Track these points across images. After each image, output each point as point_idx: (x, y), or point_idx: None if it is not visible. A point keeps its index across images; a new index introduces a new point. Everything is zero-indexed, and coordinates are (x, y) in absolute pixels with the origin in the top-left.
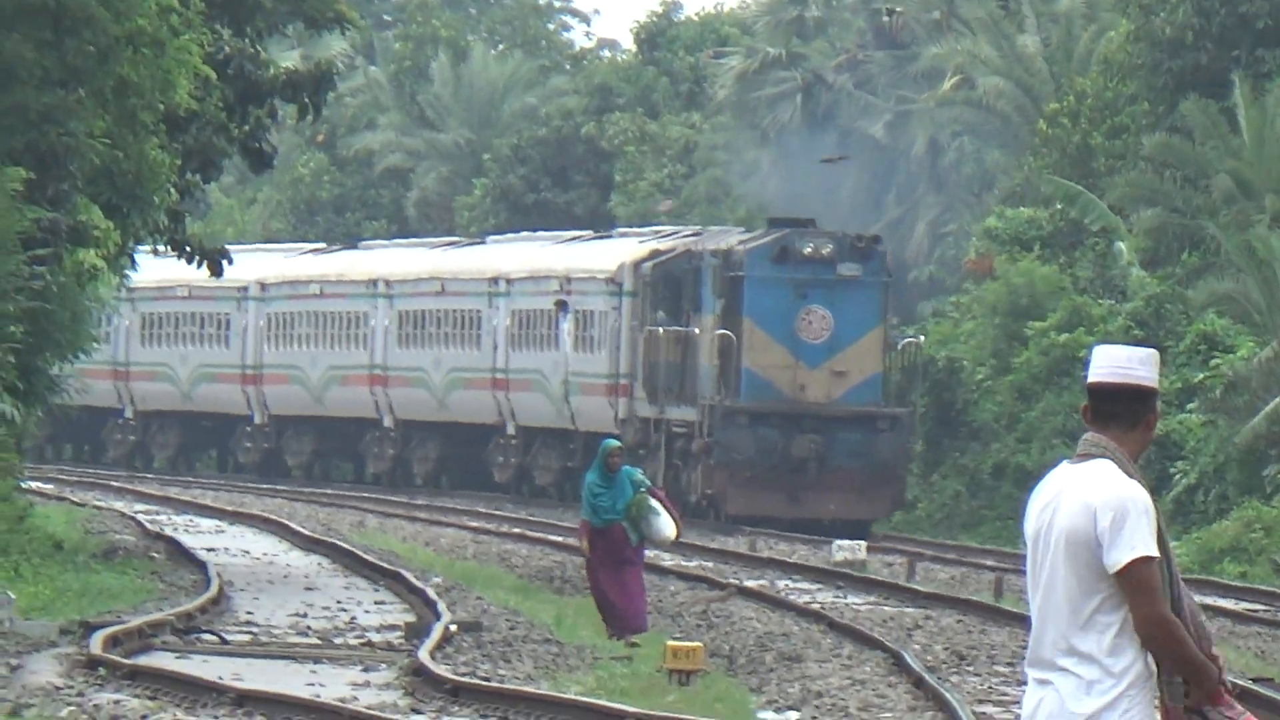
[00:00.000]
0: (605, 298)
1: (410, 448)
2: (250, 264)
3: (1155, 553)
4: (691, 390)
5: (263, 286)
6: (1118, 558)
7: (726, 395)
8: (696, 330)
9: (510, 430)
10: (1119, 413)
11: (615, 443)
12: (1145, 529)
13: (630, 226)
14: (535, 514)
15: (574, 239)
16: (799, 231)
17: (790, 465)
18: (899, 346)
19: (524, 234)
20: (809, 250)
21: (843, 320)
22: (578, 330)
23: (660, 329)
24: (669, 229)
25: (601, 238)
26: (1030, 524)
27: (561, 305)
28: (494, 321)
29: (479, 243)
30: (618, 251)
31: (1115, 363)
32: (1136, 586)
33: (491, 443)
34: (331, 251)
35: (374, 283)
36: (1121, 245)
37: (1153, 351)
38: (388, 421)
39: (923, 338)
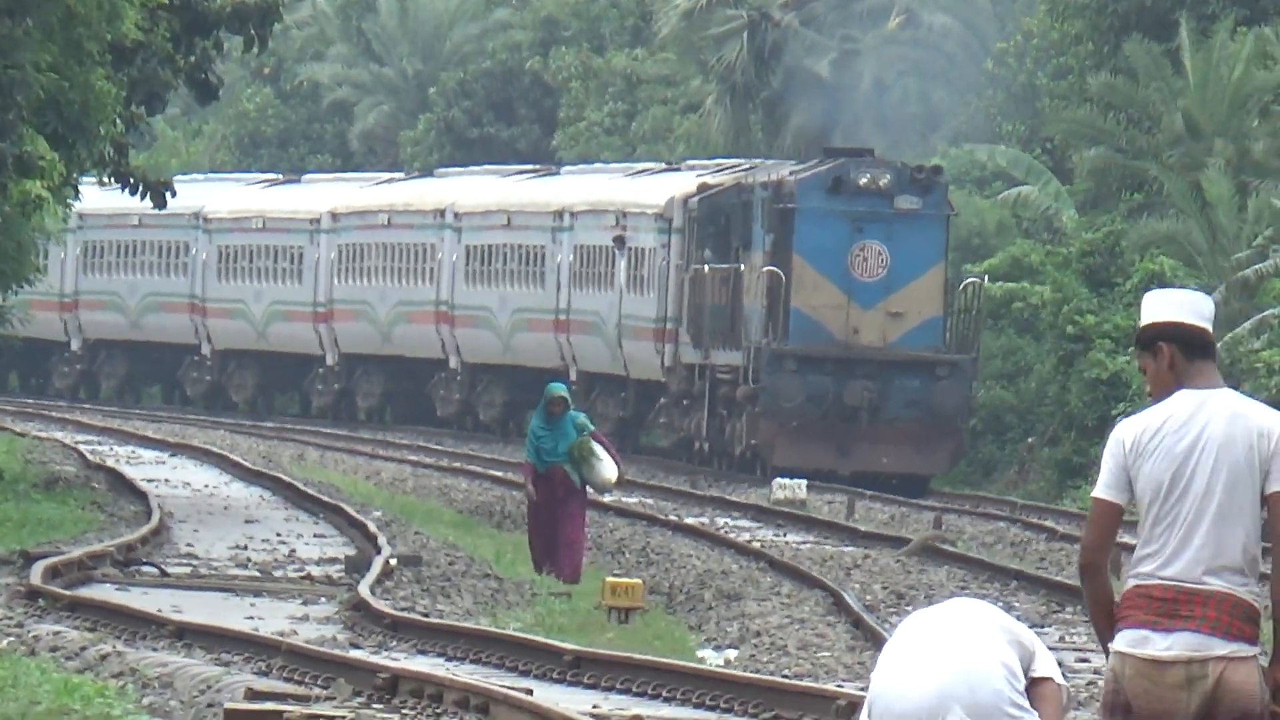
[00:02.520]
0: (655, 234)
1: (476, 393)
2: (323, 194)
3: None
4: (738, 333)
5: (334, 217)
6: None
7: (774, 338)
8: (744, 268)
9: (573, 376)
10: (1209, 349)
11: (560, 388)
12: None
13: (576, 163)
14: (481, 450)
15: (641, 171)
16: (854, 161)
17: (841, 414)
18: (961, 286)
19: (597, 165)
20: (864, 181)
21: (900, 257)
22: (630, 270)
23: (706, 268)
24: (730, 162)
25: (671, 169)
26: (1172, 439)
27: (619, 242)
28: (558, 259)
29: (553, 173)
30: (670, 185)
31: (1195, 307)
32: None
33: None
34: (401, 181)
35: (442, 212)
36: (1047, 189)
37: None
38: (454, 363)
39: (986, 277)
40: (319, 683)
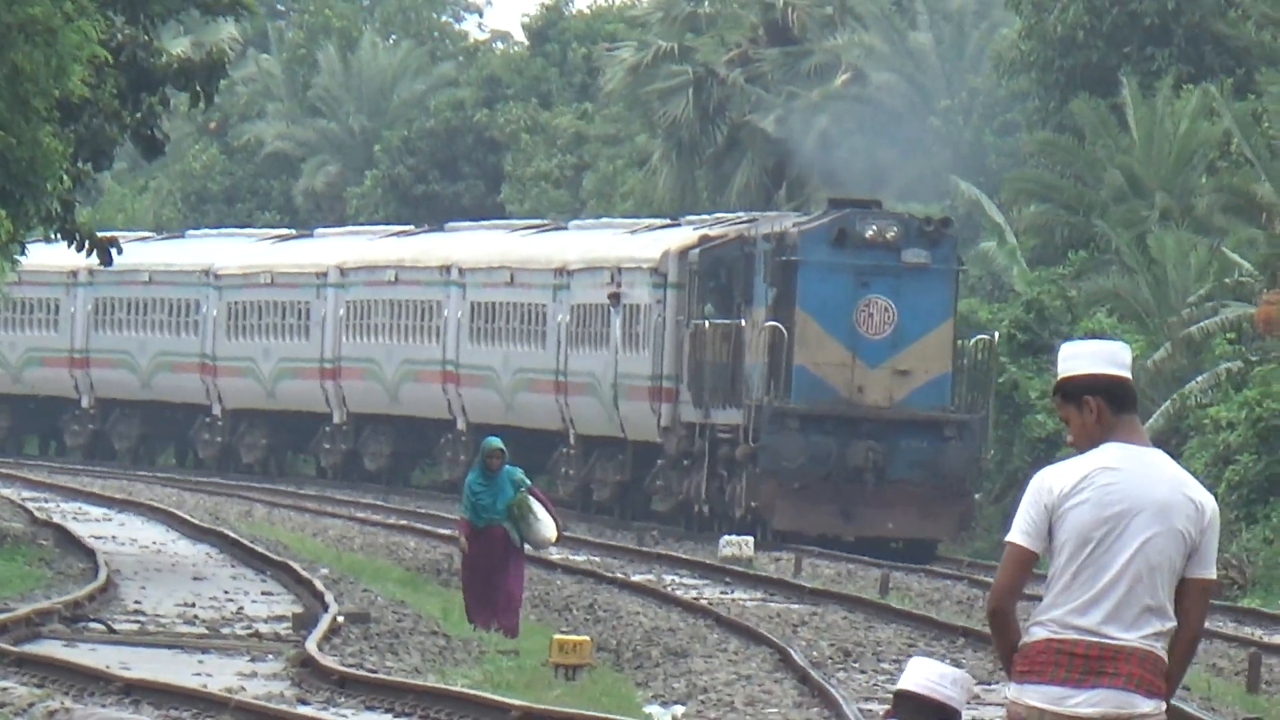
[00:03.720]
0: (649, 289)
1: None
2: (332, 248)
3: None
4: (739, 391)
5: (342, 272)
6: (1209, 572)
7: (775, 396)
8: (745, 324)
9: (571, 440)
10: (1134, 401)
11: (496, 441)
12: None
13: (525, 218)
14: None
15: (642, 226)
16: (860, 212)
17: (845, 476)
18: (970, 343)
19: (603, 220)
20: (871, 233)
21: (907, 313)
22: (626, 327)
23: (706, 323)
24: (729, 215)
25: (672, 225)
26: (1103, 491)
27: (614, 299)
28: (558, 317)
29: (560, 228)
30: (667, 239)
31: (1119, 358)
32: (1207, 601)
33: (556, 452)
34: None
35: (448, 269)
36: (994, 244)
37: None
38: (460, 424)
39: (996, 334)
40: None
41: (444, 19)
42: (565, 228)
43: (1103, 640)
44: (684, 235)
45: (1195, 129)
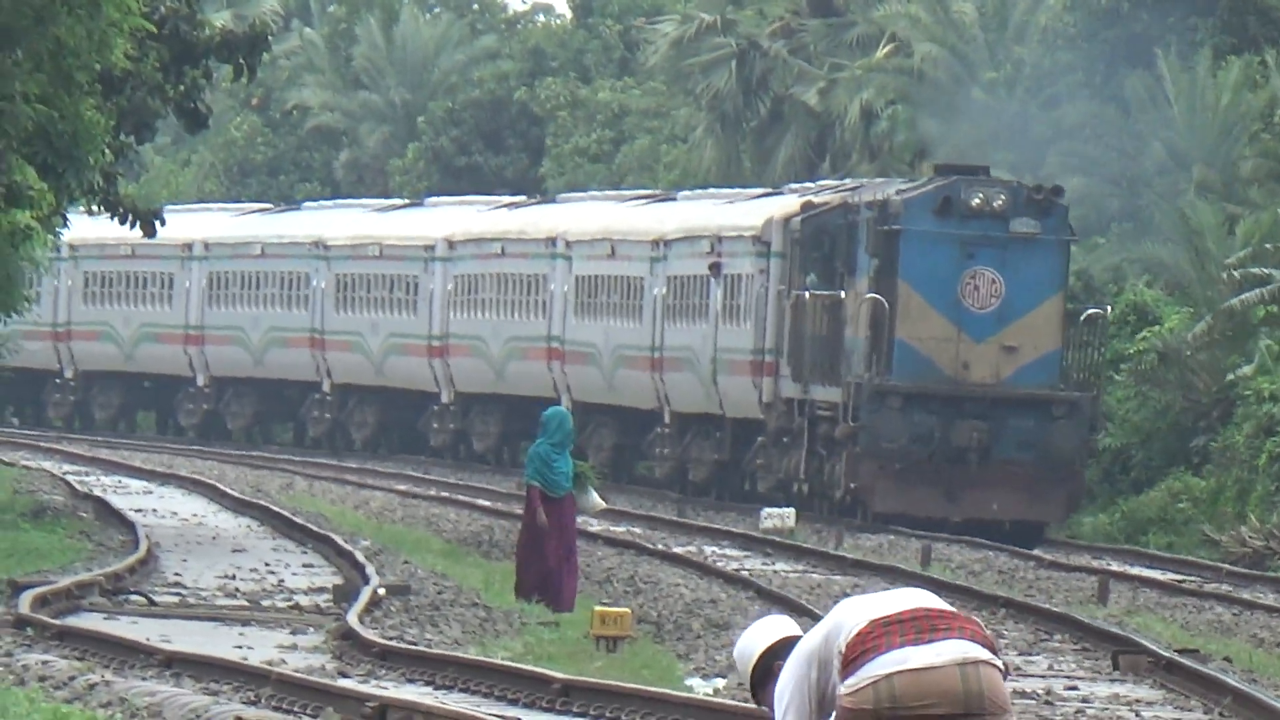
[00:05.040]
0: (752, 259)
1: (587, 433)
2: (441, 219)
3: None
4: (839, 366)
5: (450, 244)
6: None
7: (876, 372)
8: (846, 295)
9: (666, 419)
10: None
11: (564, 411)
12: None
13: (572, 191)
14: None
15: (736, 196)
16: (966, 180)
17: (949, 456)
18: (1081, 318)
19: (699, 191)
20: (978, 202)
21: (1016, 286)
22: (726, 298)
23: (808, 294)
24: (832, 182)
25: (773, 193)
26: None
27: (715, 269)
28: (654, 290)
29: (670, 198)
30: (769, 207)
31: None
32: None
33: (650, 432)
34: (515, 208)
35: (554, 240)
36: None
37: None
38: (565, 403)
39: (1110, 308)
40: (307, 712)
41: None
42: (673, 198)
43: (928, 608)
44: (787, 203)
45: (1238, 100)
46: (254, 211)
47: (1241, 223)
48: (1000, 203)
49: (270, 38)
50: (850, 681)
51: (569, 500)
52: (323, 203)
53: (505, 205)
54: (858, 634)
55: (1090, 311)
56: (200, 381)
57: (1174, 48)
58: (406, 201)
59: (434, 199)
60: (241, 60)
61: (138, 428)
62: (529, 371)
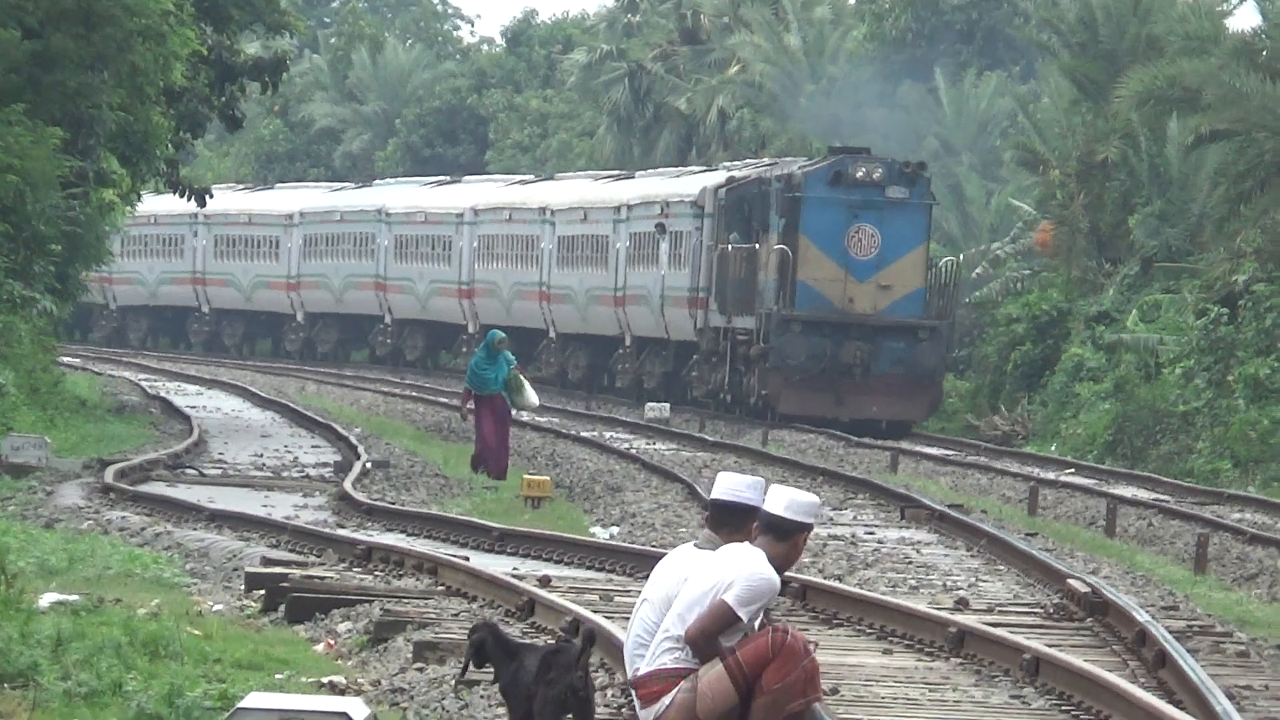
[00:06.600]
0: (690, 220)
1: (566, 355)
2: (470, 192)
3: None
4: (753, 302)
5: (476, 212)
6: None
7: (783, 305)
8: (759, 247)
9: (627, 341)
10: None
11: (500, 333)
12: None
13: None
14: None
15: (682, 172)
16: (852, 157)
17: (838, 370)
18: (939, 264)
19: (669, 169)
20: (861, 174)
21: (889, 238)
22: (671, 249)
23: (730, 247)
24: (754, 161)
25: (708, 169)
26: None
27: (660, 228)
28: (617, 245)
29: (628, 177)
30: (704, 180)
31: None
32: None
33: (615, 352)
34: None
35: (544, 210)
36: None
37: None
38: (552, 333)
39: (961, 256)
40: (315, 553)
41: (447, 27)
42: (632, 176)
43: None
44: (717, 177)
45: (992, 105)
46: (337, 189)
47: (995, 194)
48: (878, 175)
49: (289, 63)
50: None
51: (499, 397)
52: (389, 180)
53: (516, 182)
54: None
55: (946, 259)
56: (300, 318)
57: (947, 67)
58: (448, 179)
59: (469, 177)
60: (268, 79)
61: (256, 352)
62: (528, 309)
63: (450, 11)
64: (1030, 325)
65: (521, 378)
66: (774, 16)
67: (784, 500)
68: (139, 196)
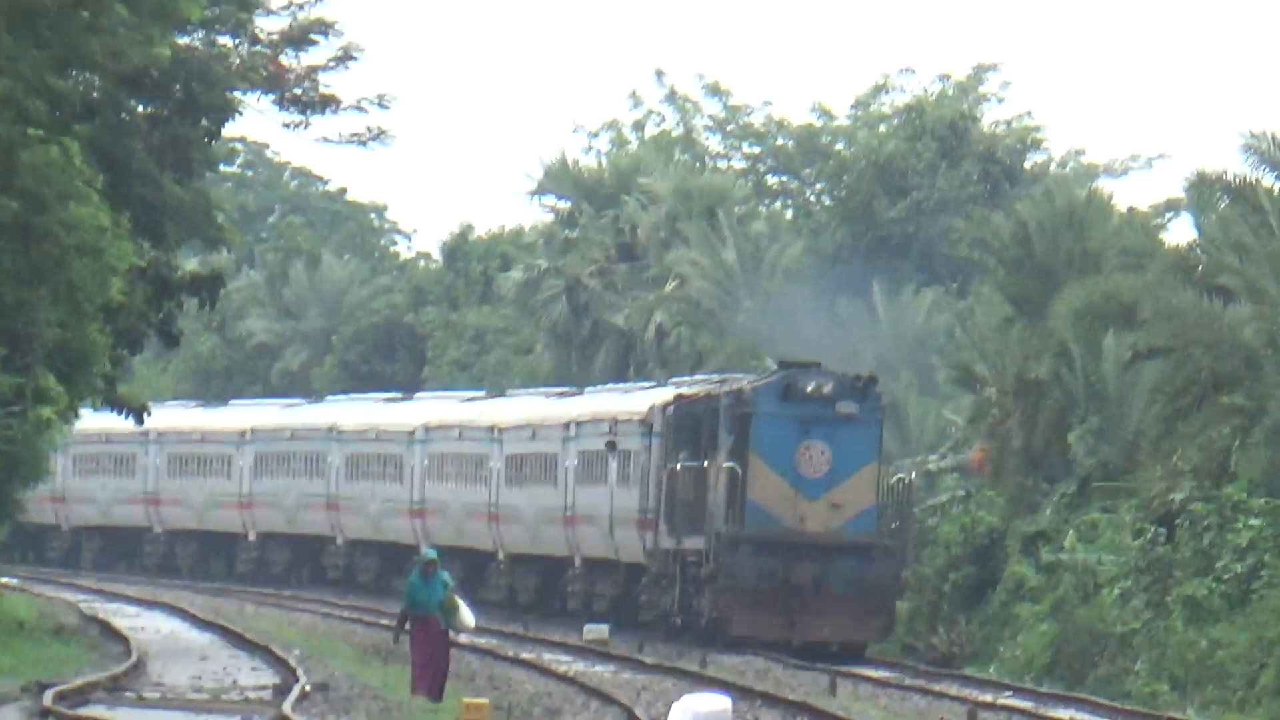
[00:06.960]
0: (639, 438)
1: (515, 577)
2: (421, 410)
3: None
4: (704, 521)
5: (427, 429)
6: None
7: (731, 525)
8: (708, 465)
9: (577, 563)
10: None
11: (432, 553)
12: None
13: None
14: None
15: (631, 388)
16: (802, 371)
17: (790, 590)
18: (892, 481)
19: (602, 386)
20: (811, 388)
21: (840, 455)
22: (620, 469)
23: (679, 465)
24: (703, 377)
25: (657, 385)
26: None
27: (611, 446)
28: (566, 463)
29: (577, 393)
30: (652, 397)
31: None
32: None
33: (565, 574)
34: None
35: (493, 428)
36: None
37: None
38: (501, 555)
39: (914, 473)
40: None
41: (383, 242)
42: (580, 392)
43: None
44: (665, 394)
45: (929, 321)
46: (289, 405)
47: (932, 411)
48: (829, 389)
49: (225, 279)
50: None
51: (433, 619)
52: (340, 395)
53: (468, 399)
54: None
55: (898, 476)
56: (251, 538)
57: (884, 282)
58: (399, 395)
59: (420, 394)
60: (205, 295)
61: (210, 574)
62: (477, 529)
63: (387, 226)
64: (967, 548)
65: (457, 599)
66: (710, 230)
67: (688, 716)
68: (77, 414)
